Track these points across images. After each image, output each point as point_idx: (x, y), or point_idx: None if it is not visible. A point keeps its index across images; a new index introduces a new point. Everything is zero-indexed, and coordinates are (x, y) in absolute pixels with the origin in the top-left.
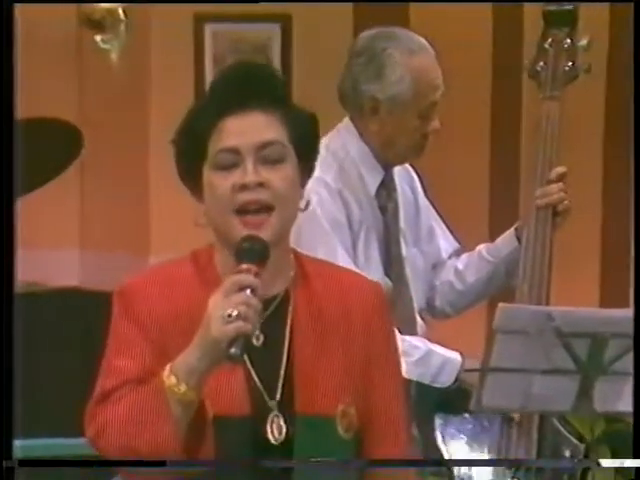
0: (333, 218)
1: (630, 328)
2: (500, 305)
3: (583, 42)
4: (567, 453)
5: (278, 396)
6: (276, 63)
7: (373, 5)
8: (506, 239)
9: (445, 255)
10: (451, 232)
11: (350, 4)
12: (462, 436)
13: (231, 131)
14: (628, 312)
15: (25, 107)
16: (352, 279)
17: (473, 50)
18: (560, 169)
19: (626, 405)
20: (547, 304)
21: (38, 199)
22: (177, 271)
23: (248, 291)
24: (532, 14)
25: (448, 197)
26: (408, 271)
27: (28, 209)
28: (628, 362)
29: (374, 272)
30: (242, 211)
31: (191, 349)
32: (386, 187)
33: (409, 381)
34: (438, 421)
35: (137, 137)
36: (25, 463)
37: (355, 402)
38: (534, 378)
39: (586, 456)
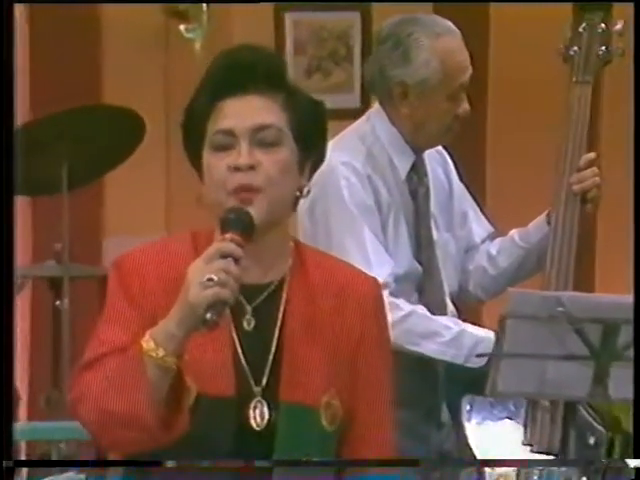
0: (361, 203)
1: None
2: (510, 290)
3: (618, 26)
4: (591, 440)
5: (264, 382)
6: (356, 51)
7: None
8: (537, 225)
9: (478, 240)
10: (485, 216)
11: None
12: (488, 421)
13: (228, 113)
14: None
15: (113, 95)
16: (350, 273)
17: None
18: (590, 155)
19: None
20: (573, 290)
21: (124, 187)
22: (174, 248)
23: (230, 259)
24: None
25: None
26: (439, 255)
27: (114, 197)
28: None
29: (403, 256)
30: (234, 192)
31: (170, 314)
32: (417, 171)
33: (438, 361)
34: (465, 405)
35: None
36: (24, 463)
37: (340, 395)
38: (548, 364)
39: (611, 444)
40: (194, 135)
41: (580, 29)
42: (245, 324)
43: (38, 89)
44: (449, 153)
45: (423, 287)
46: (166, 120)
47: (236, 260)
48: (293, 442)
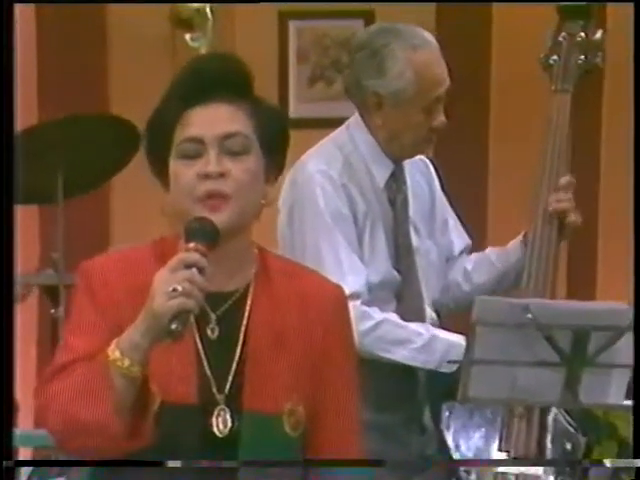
0: (336, 211)
1: (611, 321)
2: (477, 298)
3: (597, 36)
4: (568, 446)
5: (227, 390)
6: None
7: (456, 5)
8: (515, 245)
9: (456, 251)
10: (464, 228)
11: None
12: (467, 427)
13: (196, 122)
14: (607, 305)
15: (119, 103)
16: (315, 281)
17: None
18: (570, 178)
19: (616, 398)
20: None
21: (130, 195)
22: (139, 256)
23: (194, 269)
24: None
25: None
26: (419, 263)
27: (119, 205)
28: (613, 355)
29: (380, 264)
30: (203, 198)
31: (136, 324)
32: (396, 180)
33: (415, 368)
34: (445, 411)
35: None
36: (24, 463)
37: (304, 401)
38: (519, 370)
39: (588, 450)
40: (160, 144)
41: (560, 38)
42: (209, 332)
43: (45, 97)
44: (432, 163)
45: (401, 294)
46: None
47: (200, 270)
48: (256, 449)
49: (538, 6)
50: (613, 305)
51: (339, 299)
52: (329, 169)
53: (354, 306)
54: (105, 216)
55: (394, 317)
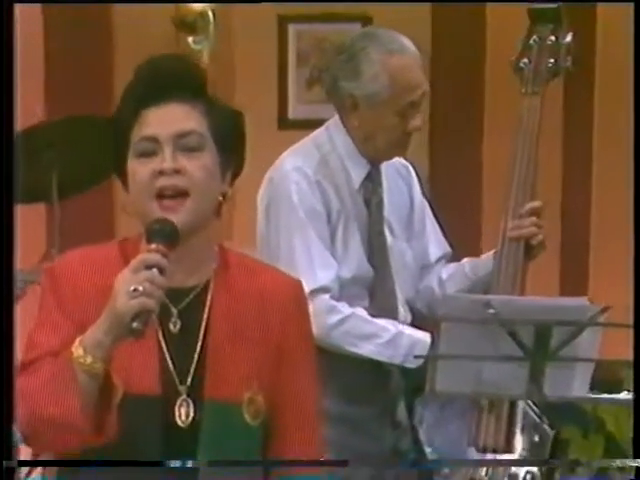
0: (310, 207)
1: (573, 316)
2: (442, 295)
3: (567, 39)
4: (536, 438)
5: (189, 381)
6: None
7: (451, 6)
8: (487, 260)
9: (433, 259)
10: (445, 235)
11: (429, 4)
12: (439, 421)
13: (151, 121)
14: (568, 300)
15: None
16: (273, 275)
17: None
18: (535, 204)
19: (580, 391)
20: None
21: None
22: (104, 255)
23: (155, 270)
24: None
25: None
26: (393, 262)
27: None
28: (575, 349)
29: (352, 260)
30: (160, 196)
31: (99, 323)
32: (372, 180)
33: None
34: (417, 406)
35: None
36: (25, 463)
37: (263, 391)
38: (484, 364)
39: (555, 442)
40: (119, 144)
41: (531, 41)
42: (171, 326)
43: (51, 98)
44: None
45: (374, 291)
46: None
47: (161, 270)
48: (217, 437)
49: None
50: (574, 300)
51: (297, 293)
52: (304, 166)
53: (323, 300)
54: (109, 209)
55: (362, 312)
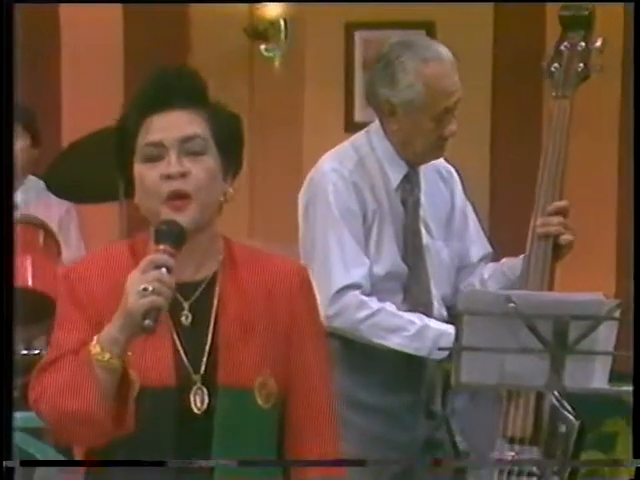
0: (345, 207)
1: (589, 311)
2: (462, 289)
3: (597, 44)
4: (562, 429)
5: (202, 370)
6: None
7: (512, 9)
8: (521, 259)
9: (475, 259)
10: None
11: (491, 9)
12: (468, 412)
13: (156, 127)
14: (584, 296)
15: None
16: (278, 263)
17: None
18: (561, 203)
19: (599, 383)
20: None
21: None
22: (115, 255)
23: (163, 269)
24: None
25: None
26: (429, 261)
27: None
28: (593, 342)
29: (387, 257)
30: (168, 198)
31: (113, 321)
32: (410, 182)
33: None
34: (449, 396)
35: (295, 134)
36: (25, 463)
37: (275, 375)
38: (506, 356)
39: (581, 431)
40: (125, 149)
41: (562, 47)
42: (183, 319)
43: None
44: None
45: (409, 287)
46: (249, 131)
47: (169, 269)
48: (232, 421)
49: None
50: (590, 296)
51: (302, 278)
52: (341, 168)
53: (353, 295)
54: None
55: (391, 307)
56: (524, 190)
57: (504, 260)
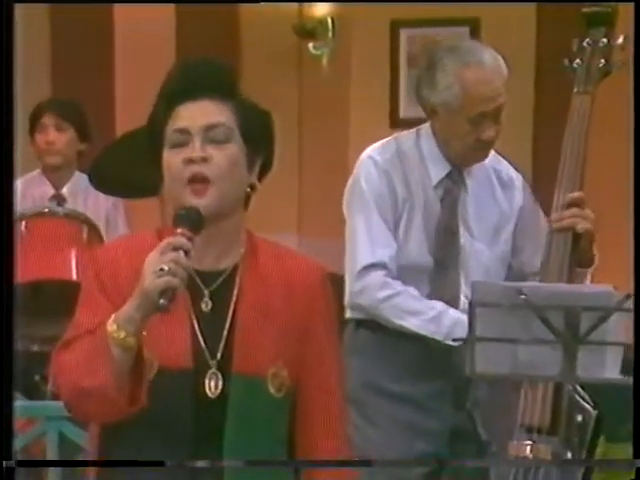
0: (375, 191)
1: (600, 302)
2: (473, 281)
3: (619, 41)
4: (579, 418)
5: (218, 356)
6: None
7: (555, 7)
8: None
9: (529, 270)
10: None
11: (534, 6)
12: (488, 402)
13: (184, 115)
14: (595, 287)
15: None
16: (299, 260)
17: None
18: (575, 194)
19: (611, 373)
20: None
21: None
22: (142, 241)
23: (180, 251)
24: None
25: None
26: (464, 258)
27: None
28: (604, 333)
29: (413, 248)
30: (190, 181)
31: (130, 300)
32: (453, 181)
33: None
34: (471, 386)
35: (342, 130)
36: (25, 463)
37: (288, 366)
38: (518, 347)
39: (598, 421)
40: (156, 137)
41: (584, 44)
42: (203, 306)
43: None
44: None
45: (435, 281)
46: (299, 125)
47: (186, 252)
48: (244, 407)
49: None
50: (600, 288)
51: (322, 277)
52: (376, 156)
53: (377, 275)
54: None
55: (413, 291)
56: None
57: None
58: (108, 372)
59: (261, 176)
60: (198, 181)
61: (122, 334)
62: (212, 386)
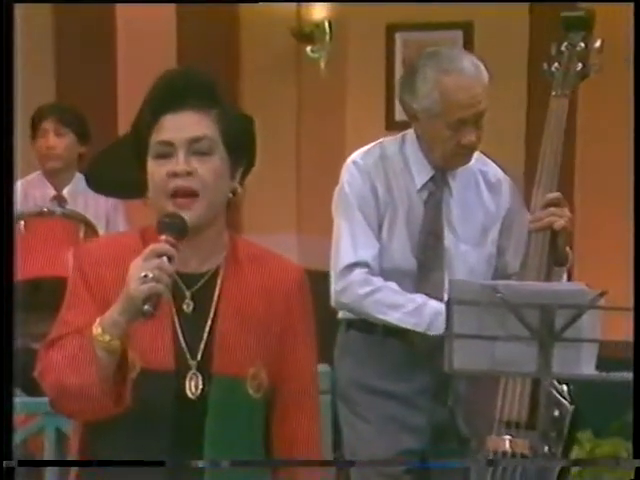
0: (358, 193)
1: (574, 300)
2: (451, 280)
3: (596, 44)
4: (556, 412)
5: (199, 357)
6: None
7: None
8: None
9: (512, 271)
10: None
11: (527, 11)
12: (469, 398)
13: (167, 127)
14: (569, 286)
15: (249, 113)
16: (278, 262)
17: None
18: (552, 195)
19: (587, 369)
20: None
21: (259, 187)
22: (125, 241)
23: (164, 258)
24: None
25: None
26: (448, 260)
27: (250, 197)
28: (578, 330)
29: (396, 250)
30: (174, 195)
31: (116, 305)
32: (436, 184)
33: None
34: (453, 382)
35: (338, 132)
36: (25, 463)
37: (267, 367)
38: (496, 344)
39: (574, 417)
40: (141, 145)
41: (562, 48)
42: (185, 307)
43: None
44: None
45: (419, 282)
46: (297, 127)
47: (170, 259)
48: (223, 408)
49: None
50: (573, 285)
51: (300, 278)
52: (360, 160)
53: (359, 273)
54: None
55: (393, 285)
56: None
57: None
58: (93, 373)
59: (242, 179)
60: (182, 195)
61: (107, 337)
62: (192, 386)
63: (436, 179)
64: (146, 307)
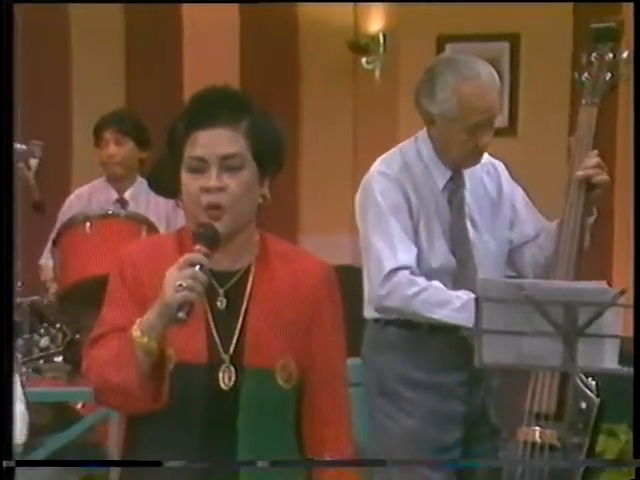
0: (390, 201)
1: (596, 297)
2: (479, 278)
3: (624, 55)
4: (583, 405)
5: (231, 350)
6: (505, 76)
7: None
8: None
9: (533, 234)
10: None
11: (571, 22)
12: (500, 389)
13: (200, 143)
14: (590, 284)
15: (308, 121)
16: (307, 260)
17: None
18: (595, 151)
19: (610, 363)
20: (575, 279)
21: (318, 191)
22: (164, 243)
23: (197, 267)
24: None
25: None
26: (476, 254)
27: (308, 200)
28: (600, 326)
29: (438, 252)
30: (206, 208)
31: (153, 309)
32: (455, 183)
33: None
34: (486, 375)
35: (392, 140)
36: (24, 463)
37: (296, 359)
38: (522, 339)
39: (601, 408)
40: (174, 157)
41: (592, 58)
42: (218, 304)
43: None
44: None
45: (457, 279)
46: (353, 135)
47: (203, 267)
48: (255, 398)
49: None
50: (595, 284)
51: (328, 275)
52: (387, 170)
53: (403, 275)
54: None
55: (438, 284)
56: None
57: (554, 222)
58: (133, 372)
59: (271, 182)
60: (214, 208)
61: (145, 339)
62: (226, 379)
63: (454, 178)
64: (180, 314)
